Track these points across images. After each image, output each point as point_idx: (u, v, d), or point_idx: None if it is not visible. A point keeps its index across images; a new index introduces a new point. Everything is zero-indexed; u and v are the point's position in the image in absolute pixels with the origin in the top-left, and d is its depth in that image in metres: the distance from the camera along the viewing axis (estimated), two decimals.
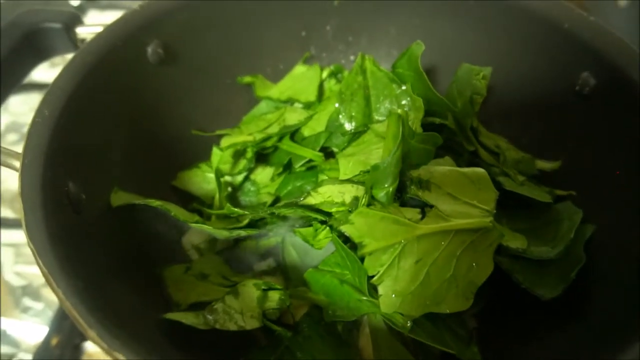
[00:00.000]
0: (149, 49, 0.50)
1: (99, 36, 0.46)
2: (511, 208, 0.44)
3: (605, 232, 0.42)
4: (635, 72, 0.41)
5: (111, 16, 0.48)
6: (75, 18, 0.49)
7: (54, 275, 0.28)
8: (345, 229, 0.39)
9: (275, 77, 0.60)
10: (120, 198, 0.43)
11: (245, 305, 0.40)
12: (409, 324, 0.39)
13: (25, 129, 0.73)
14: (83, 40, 0.50)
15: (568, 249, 0.42)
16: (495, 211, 0.41)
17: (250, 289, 0.42)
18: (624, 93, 0.42)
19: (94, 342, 0.26)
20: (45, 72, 0.76)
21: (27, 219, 0.31)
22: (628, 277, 0.37)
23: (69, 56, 0.47)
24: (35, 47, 0.47)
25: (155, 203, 0.43)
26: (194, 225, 0.43)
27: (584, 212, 0.44)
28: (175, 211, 0.43)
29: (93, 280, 0.31)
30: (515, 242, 0.43)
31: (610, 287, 0.39)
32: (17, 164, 0.36)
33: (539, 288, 0.41)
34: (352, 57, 0.61)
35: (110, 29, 0.46)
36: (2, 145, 0.39)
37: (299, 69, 0.61)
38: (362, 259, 0.40)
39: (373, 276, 0.40)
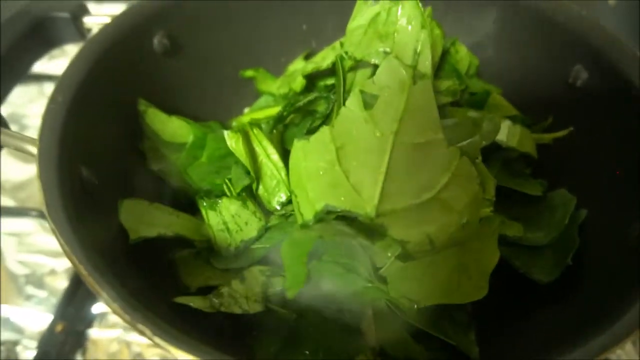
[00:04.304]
0: (155, 40, 0.51)
1: (107, 26, 0.47)
2: (507, 196, 0.46)
3: (597, 217, 0.44)
4: (626, 65, 0.43)
5: (110, 8, 0.49)
6: (82, 8, 0.50)
7: (75, 252, 0.29)
8: None
9: (278, 69, 0.61)
10: (129, 212, 0.42)
11: (249, 290, 0.41)
12: (414, 307, 0.40)
13: (25, 120, 0.75)
14: (89, 30, 0.51)
15: (562, 234, 0.44)
16: (494, 199, 0.42)
17: (256, 275, 0.43)
18: (615, 85, 0.44)
19: (117, 314, 0.27)
20: (44, 65, 0.77)
21: (46, 199, 0.32)
22: (616, 259, 0.39)
23: (69, 47, 0.48)
24: (43, 36, 0.48)
25: (169, 234, 0.42)
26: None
27: (577, 198, 0.46)
28: (190, 235, 0.44)
29: (108, 259, 0.33)
30: (512, 229, 0.44)
31: (600, 268, 0.40)
32: (32, 149, 0.37)
33: (536, 273, 0.43)
34: None
35: (118, 19, 0.47)
36: None
37: (298, 64, 0.62)
38: None
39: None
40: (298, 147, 0.41)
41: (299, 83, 0.53)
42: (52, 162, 0.35)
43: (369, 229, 0.40)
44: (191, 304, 0.39)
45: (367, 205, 0.38)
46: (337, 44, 0.51)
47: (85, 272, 0.28)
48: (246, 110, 0.61)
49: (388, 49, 0.46)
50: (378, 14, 0.48)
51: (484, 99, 0.49)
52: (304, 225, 0.39)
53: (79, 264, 0.29)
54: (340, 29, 0.61)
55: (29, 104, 0.76)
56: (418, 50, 0.44)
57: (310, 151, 0.41)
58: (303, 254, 0.32)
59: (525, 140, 0.47)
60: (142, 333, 0.26)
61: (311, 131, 0.48)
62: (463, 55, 0.52)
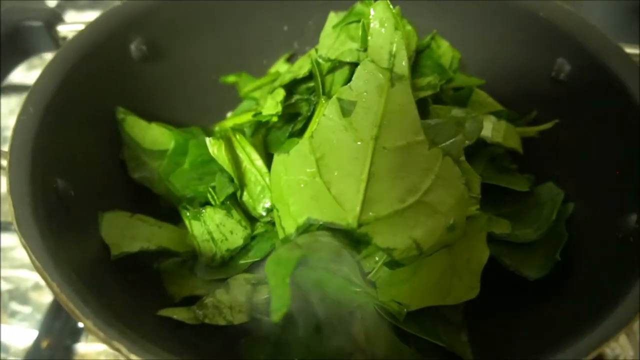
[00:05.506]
0: (132, 46, 0.50)
1: (81, 33, 0.46)
2: (493, 192, 0.45)
3: (586, 210, 0.43)
4: (607, 57, 0.42)
5: (90, 16, 0.48)
6: (56, 16, 0.49)
7: (47, 269, 0.28)
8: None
9: (260, 72, 0.60)
10: (110, 225, 0.41)
11: (234, 300, 0.40)
12: (405, 311, 0.40)
13: (6, 132, 0.74)
14: (64, 39, 0.49)
15: (551, 229, 0.43)
16: (480, 196, 0.42)
17: (241, 283, 0.42)
18: (597, 77, 0.44)
19: (91, 332, 0.26)
20: (24, 74, 0.75)
21: (17, 215, 0.31)
22: (607, 253, 0.38)
23: (48, 56, 0.46)
24: (17, 46, 0.47)
25: (152, 247, 0.42)
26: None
27: (565, 191, 0.45)
28: (174, 246, 0.43)
29: (86, 273, 0.32)
30: (500, 227, 0.44)
31: (591, 263, 0.40)
32: (4, 162, 0.36)
33: (526, 269, 0.42)
34: None
35: (92, 26, 0.46)
36: None
37: (280, 66, 0.61)
38: None
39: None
40: (278, 162, 0.40)
41: (279, 95, 0.51)
42: (24, 175, 0.34)
43: (354, 238, 0.39)
44: (175, 317, 0.39)
45: (348, 216, 0.37)
46: (312, 51, 0.50)
47: (58, 290, 0.27)
48: (229, 114, 0.60)
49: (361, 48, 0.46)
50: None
51: (467, 95, 0.49)
52: (286, 240, 0.38)
53: (51, 281, 0.28)
54: (321, 30, 0.61)
55: (10, 116, 0.75)
56: (393, 52, 0.44)
57: (290, 164, 0.39)
58: (286, 274, 0.31)
59: (511, 136, 0.46)
60: (118, 351, 0.25)
61: (294, 134, 0.47)
62: (445, 50, 0.51)
